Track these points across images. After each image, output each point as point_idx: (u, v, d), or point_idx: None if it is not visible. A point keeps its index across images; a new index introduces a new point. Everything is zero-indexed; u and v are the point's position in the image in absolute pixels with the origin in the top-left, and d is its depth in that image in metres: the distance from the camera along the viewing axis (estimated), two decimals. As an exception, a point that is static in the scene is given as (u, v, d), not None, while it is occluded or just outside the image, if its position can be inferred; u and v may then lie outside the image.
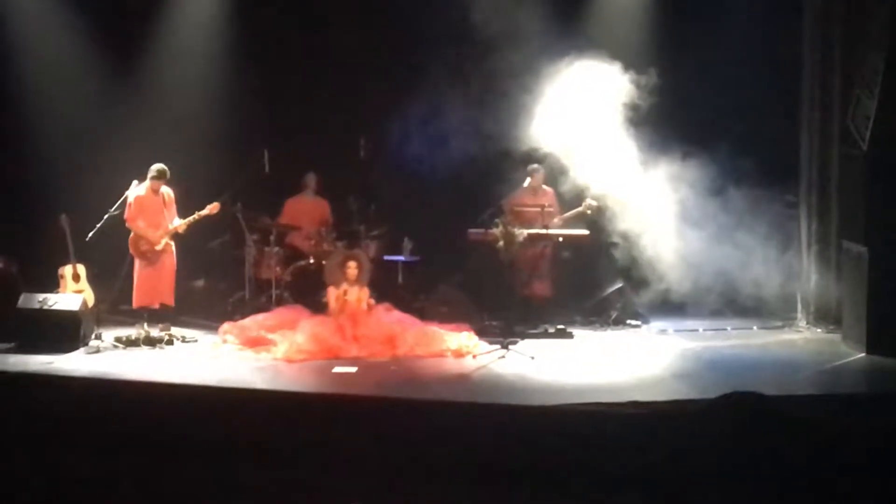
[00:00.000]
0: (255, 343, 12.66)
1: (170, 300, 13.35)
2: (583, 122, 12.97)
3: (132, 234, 13.16)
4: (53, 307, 12.64)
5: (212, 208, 13.37)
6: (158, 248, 13.16)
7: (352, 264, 13.01)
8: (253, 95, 15.59)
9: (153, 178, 13.16)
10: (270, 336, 12.67)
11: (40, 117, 15.21)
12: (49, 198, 14.44)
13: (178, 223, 13.26)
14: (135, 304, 13.26)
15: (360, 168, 15.69)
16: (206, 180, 14.55)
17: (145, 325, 13.13)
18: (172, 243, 13.33)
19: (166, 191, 13.34)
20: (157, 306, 13.25)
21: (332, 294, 12.99)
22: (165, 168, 13.19)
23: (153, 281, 13.20)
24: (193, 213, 13.33)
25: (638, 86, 13.00)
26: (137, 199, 13.19)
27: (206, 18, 15.79)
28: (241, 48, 15.62)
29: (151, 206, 13.22)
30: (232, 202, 14.24)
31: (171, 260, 13.33)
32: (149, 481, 9.24)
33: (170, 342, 13.04)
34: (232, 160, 15.34)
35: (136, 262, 13.19)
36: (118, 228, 13.23)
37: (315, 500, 8.34)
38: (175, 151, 14.51)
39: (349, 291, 12.92)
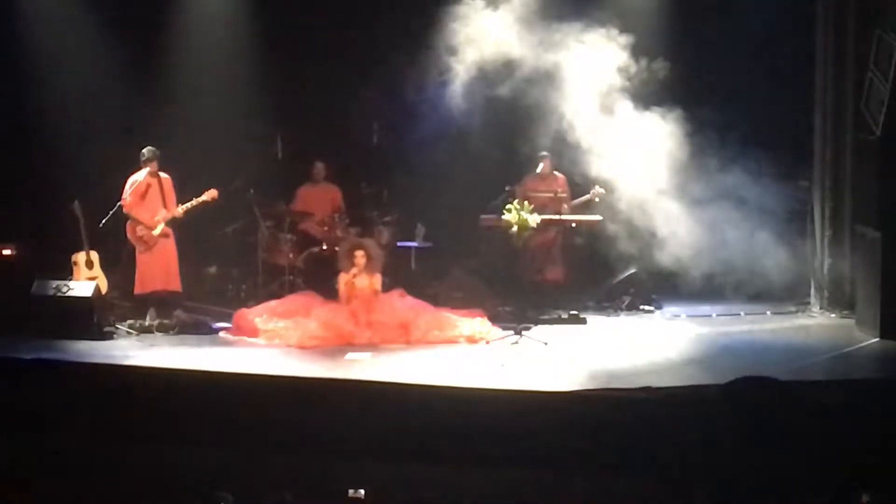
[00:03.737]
0: (267, 331, 12.68)
1: (176, 286, 13.33)
2: (593, 107, 12.93)
3: (129, 220, 13.16)
4: (67, 294, 12.66)
5: (210, 195, 13.32)
6: (156, 233, 13.14)
7: (359, 253, 12.96)
8: (266, 82, 15.56)
9: (144, 160, 13.16)
10: (283, 322, 12.68)
11: (54, 104, 15.19)
12: (62, 184, 14.42)
13: (177, 209, 13.24)
14: (136, 291, 13.26)
15: (372, 154, 15.70)
16: (218, 166, 14.57)
17: (155, 311, 13.11)
18: (171, 230, 13.29)
19: (165, 176, 13.32)
20: (161, 292, 13.23)
21: (342, 280, 12.98)
22: (154, 149, 13.19)
23: (153, 267, 13.20)
24: (191, 200, 13.30)
25: (650, 69, 12.98)
26: (133, 184, 13.18)
27: (220, 6, 15.76)
28: (254, 34, 15.59)
29: (148, 191, 13.20)
30: (245, 188, 14.27)
31: (171, 246, 13.30)
32: (161, 466, 9.29)
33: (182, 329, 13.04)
34: (245, 146, 15.37)
35: (136, 249, 13.19)
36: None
37: (326, 486, 8.35)
38: (189, 138, 14.54)
39: (358, 278, 12.89)
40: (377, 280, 13.00)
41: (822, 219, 14.06)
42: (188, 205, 13.27)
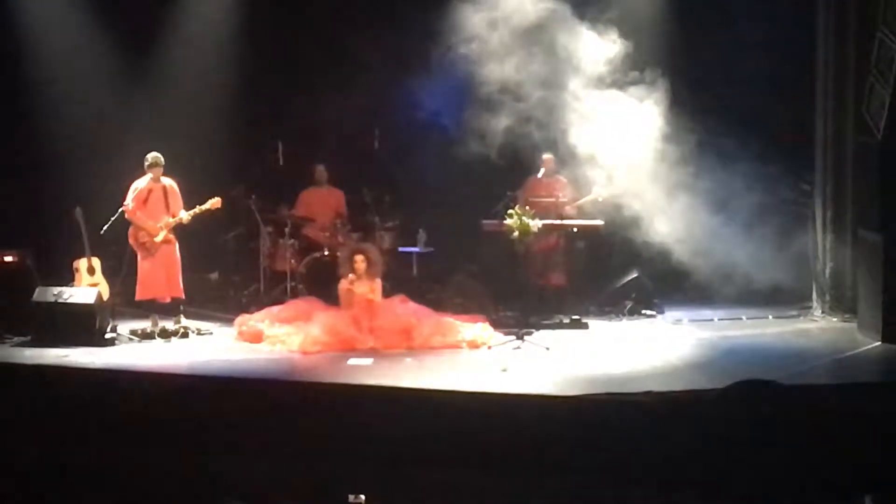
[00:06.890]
0: (270, 336, 12.68)
1: (178, 292, 13.29)
2: (595, 110, 12.94)
3: (132, 226, 13.11)
4: (69, 300, 12.66)
5: (213, 203, 13.26)
6: (158, 239, 13.10)
7: (359, 258, 12.98)
8: (267, 87, 15.58)
9: (147, 166, 13.13)
10: (285, 328, 12.69)
11: (55, 110, 15.22)
12: (64, 191, 14.46)
13: (183, 215, 13.20)
14: (137, 297, 13.23)
15: (374, 159, 15.71)
16: (220, 173, 14.61)
17: (157, 317, 13.12)
18: (173, 236, 13.26)
19: (169, 182, 13.29)
20: (167, 300, 13.21)
21: (341, 286, 12.99)
22: (158, 155, 13.14)
23: (155, 273, 13.14)
24: (195, 207, 13.25)
25: (651, 75, 13.00)
26: (135, 190, 13.15)
27: (220, 10, 15.76)
28: (255, 40, 15.59)
29: (151, 197, 13.17)
30: (246, 194, 14.27)
31: (173, 252, 13.23)
32: (163, 472, 9.28)
33: (185, 335, 13.04)
34: (246, 152, 15.38)
35: (138, 255, 13.15)
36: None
37: (326, 491, 8.35)
38: (190, 144, 14.56)
39: (357, 284, 12.90)
40: (377, 285, 13.00)
41: (824, 222, 14.05)
42: (194, 211, 13.21)
